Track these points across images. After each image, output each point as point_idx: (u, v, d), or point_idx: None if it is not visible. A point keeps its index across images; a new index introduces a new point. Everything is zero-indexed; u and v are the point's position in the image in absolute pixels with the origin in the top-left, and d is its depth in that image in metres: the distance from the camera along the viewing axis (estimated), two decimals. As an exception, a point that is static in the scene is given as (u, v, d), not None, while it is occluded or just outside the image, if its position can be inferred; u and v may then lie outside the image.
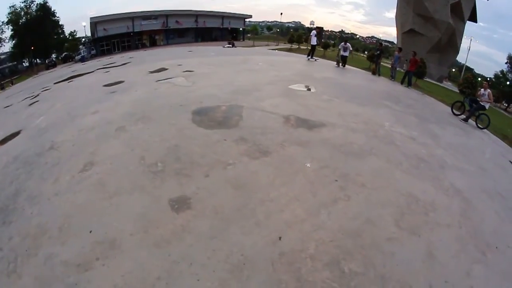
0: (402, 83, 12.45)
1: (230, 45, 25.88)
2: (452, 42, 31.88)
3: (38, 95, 10.09)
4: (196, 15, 50.71)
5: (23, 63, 53.84)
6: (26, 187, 3.56)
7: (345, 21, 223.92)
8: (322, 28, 54.87)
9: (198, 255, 2.32)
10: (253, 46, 35.25)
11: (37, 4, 49.34)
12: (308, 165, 3.53)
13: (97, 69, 14.19)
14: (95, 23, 42.54)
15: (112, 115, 5.48)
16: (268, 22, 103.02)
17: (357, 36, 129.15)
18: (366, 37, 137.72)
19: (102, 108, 6.01)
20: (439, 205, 3.24)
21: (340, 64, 13.94)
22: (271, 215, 2.72)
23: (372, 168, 3.65)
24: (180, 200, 2.92)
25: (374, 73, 13.94)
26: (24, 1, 48.14)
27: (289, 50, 25.53)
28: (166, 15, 47.48)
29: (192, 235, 2.51)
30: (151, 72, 9.61)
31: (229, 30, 55.78)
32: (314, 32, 16.13)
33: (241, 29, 59.47)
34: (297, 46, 34.62)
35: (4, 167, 4.34)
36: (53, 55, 52.93)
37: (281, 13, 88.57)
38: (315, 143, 4.08)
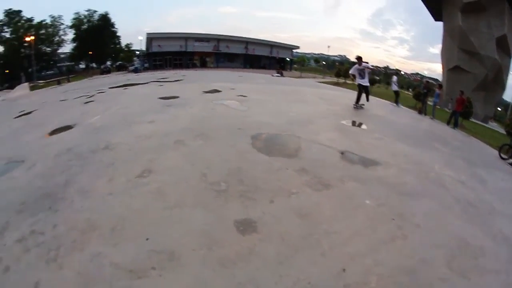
0: (448, 123, 12.39)
1: (279, 74, 26.82)
2: (498, 79, 30.59)
3: (93, 95, 11.06)
4: (247, 42, 53.41)
5: (80, 65, 60.05)
6: (78, 180, 3.68)
7: (389, 56, 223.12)
8: (361, 57, 54.73)
9: (264, 279, 2.36)
10: (301, 77, 35.87)
11: (99, 14, 55.98)
12: (367, 201, 3.77)
13: (151, 81, 15.26)
14: (151, 38, 46.41)
15: (169, 127, 5.81)
16: (314, 54, 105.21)
17: (402, 72, 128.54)
18: (411, 73, 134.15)
19: (159, 119, 6.42)
20: (488, 251, 3.29)
21: (398, 103, 14.39)
22: (335, 246, 2.88)
23: (425, 209, 3.81)
24: (245, 223, 3.00)
25: (420, 112, 14.03)
26: (88, 10, 54.73)
27: (336, 84, 25.93)
28: (218, 39, 50.46)
29: (259, 258, 2.57)
30: (205, 92, 10.33)
31: (277, 59, 57.96)
32: (395, 78, 16.24)
33: (288, 59, 61.42)
34: (343, 81, 34.90)
35: (56, 156, 4.58)
36: (108, 62, 58.48)
37: (328, 46, 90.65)
38: (371, 180, 4.33)
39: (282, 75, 27.81)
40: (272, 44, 57.31)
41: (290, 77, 29.01)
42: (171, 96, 9.43)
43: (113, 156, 4.43)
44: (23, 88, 34.81)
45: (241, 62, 53.66)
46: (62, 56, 59.86)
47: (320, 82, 26.14)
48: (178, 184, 3.64)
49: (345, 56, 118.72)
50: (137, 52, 56.59)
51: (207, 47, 50.17)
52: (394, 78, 16.19)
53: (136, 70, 40.73)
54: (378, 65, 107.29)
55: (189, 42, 48.28)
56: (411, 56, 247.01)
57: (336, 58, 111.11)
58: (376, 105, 13.49)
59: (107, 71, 47.44)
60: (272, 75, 25.80)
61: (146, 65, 46.41)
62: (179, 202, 3.26)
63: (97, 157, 4.39)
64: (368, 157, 5.29)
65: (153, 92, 10.81)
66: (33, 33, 54.51)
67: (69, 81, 33.17)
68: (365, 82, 9.82)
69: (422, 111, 14.03)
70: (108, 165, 4.10)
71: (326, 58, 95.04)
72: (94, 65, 56.14)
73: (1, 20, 58.60)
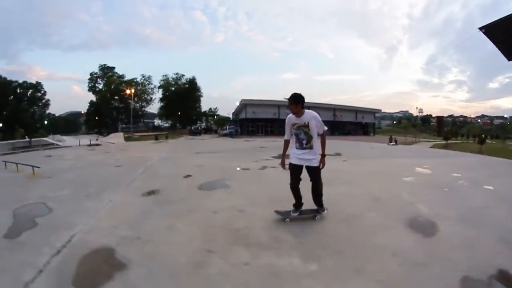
0: None
1: (394, 143, 22.81)
2: None
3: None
4: (334, 108, 52.85)
5: (166, 124, 64.23)
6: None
7: (450, 102, 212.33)
8: (443, 117, 50.67)
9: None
10: (415, 142, 29.09)
11: (186, 78, 59.95)
12: None
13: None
14: (245, 104, 47.33)
15: None
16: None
17: (468, 119, 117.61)
18: (476, 116, 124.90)
19: None
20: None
21: None
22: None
23: None
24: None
25: None
26: (176, 74, 58.88)
27: (445, 146, 20.43)
28: (308, 106, 50.08)
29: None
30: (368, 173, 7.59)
31: (361, 124, 56.39)
32: None
33: (372, 122, 59.53)
34: (446, 142, 27.92)
35: None
36: (199, 124, 62.04)
37: (418, 107, 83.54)
38: None
39: (396, 143, 23.54)
40: (357, 109, 56.07)
41: (402, 144, 23.59)
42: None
43: None
44: (117, 137, 37.03)
45: (328, 129, 52.77)
46: (146, 112, 64.77)
47: (431, 147, 20.55)
48: None
49: (407, 111, 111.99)
50: (231, 118, 58.43)
51: None
52: None
53: (231, 135, 41.41)
54: (442, 114, 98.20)
55: (282, 110, 47.87)
56: (471, 97, 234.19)
57: (399, 114, 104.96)
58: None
59: (198, 133, 49.07)
60: (388, 144, 22.21)
61: (231, 130, 46.93)
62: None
63: None
64: None
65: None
66: (123, 87, 59.17)
67: (167, 138, 33.57)
68: (306, 155, 3.51)
69: None
70: None
71: (389, 116, 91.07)
72: (178, 125, 59.83)
73: (96, 73, 65.77)
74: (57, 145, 29.21)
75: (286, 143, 3.66)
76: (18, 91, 62.86)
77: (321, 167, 3.41)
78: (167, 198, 4.74)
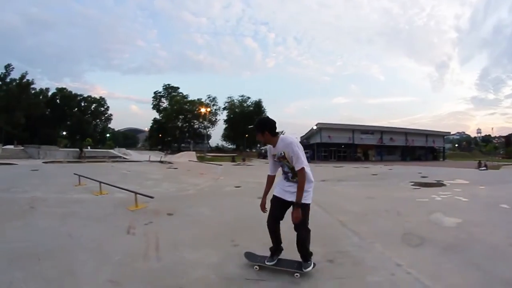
0: None
1: (484, 168, 20.95)
2: None
3: None
4: (406, 133, 50.91)
5: (229, 145, 63.63)
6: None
7: (508, 120, 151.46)
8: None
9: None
10: (499, 166, 25.72)
11: (252, 101, 59.36)
12: None
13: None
14: (320, 128, 46.28)
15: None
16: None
17: None
18: None
19: None
20: None
21: None
22: None
23: None
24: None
25: None
26: (241, 96, 58.69)
27: None
28: (382, 131, 49.27)
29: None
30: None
31: (432, 149, 53.68)
32: None
33: (442, 146, 55.86)
34: None
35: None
36: (264, 147, 54.98)
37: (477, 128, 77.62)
38: None
39: (487, 168, 21.82)
40: (427, 133, 53.14)
41: (492, 169, 21.29)
42: None
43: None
44: (190, 156, 36.32)
45: (399, 155, 49.82)
46: (210, 133, 62.99)
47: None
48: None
49: (464, 132, 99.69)
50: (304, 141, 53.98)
51: (372, 140, 48.56)
52: None
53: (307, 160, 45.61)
54: (502, 134, 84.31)
55: (356, 134, 47.51)
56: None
57: (455, 136, 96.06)
58: None
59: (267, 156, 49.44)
60: (479, 169, 20.28)
61: (307, 155, 48.41)
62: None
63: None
64: None
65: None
66: (188, 107, 60.07)
67: (244, 161, 32.23)
68: (293, 188, 2.62)
69: None
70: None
71: (446, 138, 76.24)
72: (241, 147, 58.15)
73: (160, 92, 67.58)
74: (125, 158, 31.80)
75: (269, 179, 2.82)
76: (83, 104, 66.27)
77: (292, 219, 2.46)
78: None
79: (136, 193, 5.27)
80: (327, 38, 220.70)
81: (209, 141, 64.56)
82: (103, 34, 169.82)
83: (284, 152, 2.59)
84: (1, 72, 51.80)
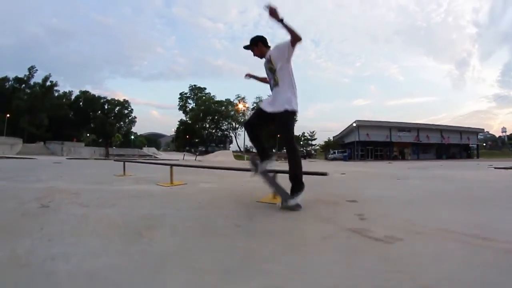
0: None
1: None
2: None
3: None
4: (441, 130, 50.30)
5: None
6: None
7: None
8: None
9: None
10: None
11: None
12: None
13: None
14: (358, 126, 45.45)
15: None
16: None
17: None
18: None
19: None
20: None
21: None
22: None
23: None
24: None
25: None
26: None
27: None
28: (418, 128, 48.64)
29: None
30: None
31: (466, 146, 53.07)
32: None
33: (476, 144, 55.15)
34: None
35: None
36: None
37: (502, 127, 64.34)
38: None
39: None
40: (461, 130, 52.55)
41: None
42: None
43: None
44: (226, 155, 37.78)
45: (434, 153, 49.30)
46: (239, 134, 63.31)
47: None
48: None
49: (488, 132, 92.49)
50: (344, 140, 54.49)
51: (408, 137, 48.16)
52: None
53: (345, 158, 41.76)
54: None
55: (393, 132, 47.19)
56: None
57: (480, 136, 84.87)
58: None
59: (303, 156, 48.05)
60: None
61: (345, 154, 45.71)
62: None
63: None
64: None
65: None
66: (216, 107, 59.50)
67: (277, 160, 31.72)
68: (271, 98, 2.79)
69: None
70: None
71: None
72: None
73: (186, 93, 67.25)
74: (156, 157, 33.65)
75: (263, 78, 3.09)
76: (106, 106, 66.77)
77: (268, 11, 2.36)
78: None
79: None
80: (345, 39, 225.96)
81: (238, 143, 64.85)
82: (122, 42, 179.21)
83: (270, 55, 2.65)
84: (25, 75, 53.76)
